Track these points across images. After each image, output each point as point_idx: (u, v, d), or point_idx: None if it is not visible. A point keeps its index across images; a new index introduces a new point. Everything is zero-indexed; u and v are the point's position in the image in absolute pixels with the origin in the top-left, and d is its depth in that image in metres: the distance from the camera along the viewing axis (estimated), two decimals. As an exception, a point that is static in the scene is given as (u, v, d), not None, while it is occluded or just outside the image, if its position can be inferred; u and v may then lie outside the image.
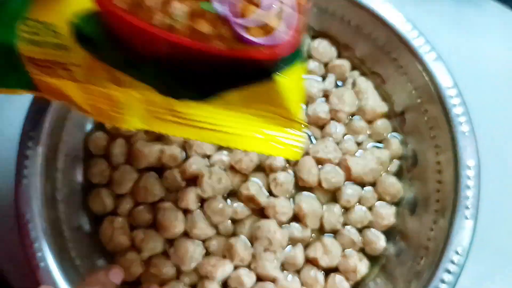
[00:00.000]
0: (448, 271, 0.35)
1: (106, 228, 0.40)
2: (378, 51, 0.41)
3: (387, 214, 0.40)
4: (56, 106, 0.38)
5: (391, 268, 0.40)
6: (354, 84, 0.43)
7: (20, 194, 0.36)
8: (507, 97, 0.46)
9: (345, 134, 0.42)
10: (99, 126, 0.43)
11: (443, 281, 0.35)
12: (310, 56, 0.44)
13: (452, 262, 0.35)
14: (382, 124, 0.42)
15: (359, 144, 0.42)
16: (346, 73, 0.43)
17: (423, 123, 0.40)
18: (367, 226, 0.41)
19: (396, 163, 0.42)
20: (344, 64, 0.43)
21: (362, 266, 0.39)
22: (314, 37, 0.44)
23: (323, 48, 0.44)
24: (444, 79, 0.38)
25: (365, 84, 0.43)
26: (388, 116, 0.43)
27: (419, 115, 0.40)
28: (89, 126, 0.43)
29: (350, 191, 0.40)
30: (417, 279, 0.37)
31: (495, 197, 0.39)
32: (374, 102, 0.42)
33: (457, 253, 0.36)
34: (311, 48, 0.43)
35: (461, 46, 0.46)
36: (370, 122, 0.43)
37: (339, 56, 0.44)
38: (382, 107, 0.42)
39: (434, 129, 0.39)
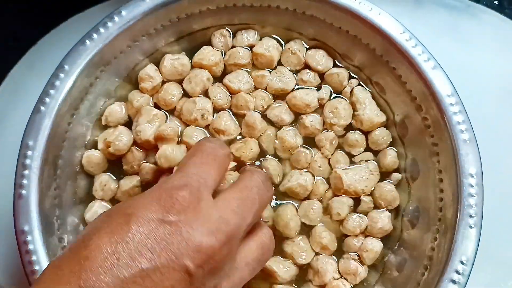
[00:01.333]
0: (453, 282, 0.35)
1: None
2: (377, 60, 0.41)
3: (381, 217, 0.40)
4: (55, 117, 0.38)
5: (394, 279, 0.39)
6: (351, 94, 0.43)
7: (18, 207, 0.36)
8: (504, 106, 0.46)
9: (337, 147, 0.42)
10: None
11: (448, 292, 0.34)
12: (306, 66, 0.43)
13: (457, 272, 0.35)
14: (380, 134, 0.42)
15: (352, 156, 0.42)
16: (344, 82, 0.43)
17: (423, 131, 0.39)
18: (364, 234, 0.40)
19: (396, 175, 0.41)
20: (342, 72, 0.43)
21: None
22: (310, 47, 0.44)
23: (319, 57, 0.43)
24: (443, 87, 0.38)
25: (363, 94, 0.42)
26: (386, 126, 0.43)
27: (419, 123, 0.40)
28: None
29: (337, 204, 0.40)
30: (422, 290, 0.36)
31: (497, 207, 0.38)
32: (372, 112, 0.42)
33: (462, 262, 0.35)
34: (308, 57, 0.43)
35: (457, 55, 0.47)
36: (368, 132, 0.42)
37: (336, 65, 0.44)
38: (380, 117, 0.42)
39: (434, 137, 0.39)
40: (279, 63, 0.44)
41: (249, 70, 0.43)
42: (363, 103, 0.42)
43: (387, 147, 0.42)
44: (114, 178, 0.42)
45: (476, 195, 0.36)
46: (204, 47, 0.43)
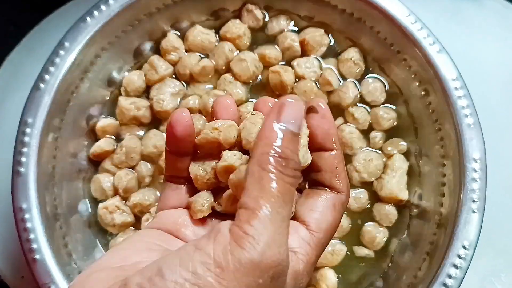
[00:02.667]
0: (455, 266, 0.34)
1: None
2: (381, 44, 0.41)
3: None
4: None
5: (396, 264, 0.39)
6: (390, 157, 0.41)
7: (16, 184, 0.35)
8: (508, 92, 0.46)
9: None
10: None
11: (450, 276, 0.34)
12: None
13: (459, 256, 0.35)
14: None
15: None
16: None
17: (427, 116, 0.39)
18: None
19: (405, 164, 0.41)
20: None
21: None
22: (309, 26, 0.43)
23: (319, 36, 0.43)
24: (448, 71, 0.38)
25: (399, 164, 0.41)
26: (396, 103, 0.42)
27: (423, 107, 0.39)
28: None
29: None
30: (423, 274, 0.36)
31: (501, 193, 0.38)
32: (397, 186, 0.40)
33: (464, 247, 0.35)
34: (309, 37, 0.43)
35: (459, 41, 0.46)
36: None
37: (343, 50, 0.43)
38: (403, 194, 0.40)
39: (438, 122, 0.38)
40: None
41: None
42: (394, 172, 0.40)
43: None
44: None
45: (479, 180, 0.36)
46: (231, 20, 0.43)
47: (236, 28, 0.42)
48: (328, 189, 0.25)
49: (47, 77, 0.37)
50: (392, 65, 0.41)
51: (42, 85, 0.37)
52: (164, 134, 0.35)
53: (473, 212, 0.35)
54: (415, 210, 0.40)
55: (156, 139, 0.41)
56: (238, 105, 0.35)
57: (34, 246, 0.35)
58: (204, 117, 0.40)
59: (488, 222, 0.35)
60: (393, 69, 0.41)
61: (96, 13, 0.39)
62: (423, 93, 0.39)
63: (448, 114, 0.37)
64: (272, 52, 0.42)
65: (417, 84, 0.40)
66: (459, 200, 0.36)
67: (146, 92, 0.43)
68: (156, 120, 0.42)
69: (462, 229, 0.35)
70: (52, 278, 0.34)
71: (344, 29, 0.43)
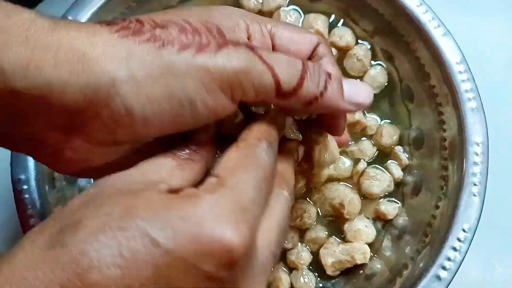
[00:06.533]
0: (454, 249, 0.34)
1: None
2: (385, 26, 0.41)
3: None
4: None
5: (394, 246, 0.39)
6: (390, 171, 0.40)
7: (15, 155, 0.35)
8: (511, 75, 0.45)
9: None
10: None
11: (449, 259, 0.34)
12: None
13: (459, 239, 0.34)
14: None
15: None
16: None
17: (430, 99, 0.39)
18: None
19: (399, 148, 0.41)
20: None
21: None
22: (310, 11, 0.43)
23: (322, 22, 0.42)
24: (452, 55, 0.37)
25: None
26: (392, 95, 0.42)
27: (426, 91, 0.39)
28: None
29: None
30: (422, 257, 0.35)
31: (503, 177, 0.38)
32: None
33: (463, 230, 0.34)
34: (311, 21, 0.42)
35: (463, 24, 0.45)
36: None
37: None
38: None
39: (441, 105, 0.38)
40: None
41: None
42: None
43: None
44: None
45: (480, 163, 0.36)
46: None
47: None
48: None
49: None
50: (395, 47, 0.41)
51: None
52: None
53: (474, 195, 0.35)
54: (413, 192, 0.40)
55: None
56: None
57: (32, 221, 0.35)
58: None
59: (490, 205, 0.35)
60: (396, 51, 0.41)
61: (99, -12, 0.38)
62: (426, 76, 0.39)
63: (451, 98, 0.37)
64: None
65: (421, 67, 0.39)
66: (460, 183, 0.35)
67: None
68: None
69: (462, 212, 0.35)
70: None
71: (346, 10, 0.42)
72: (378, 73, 0.41)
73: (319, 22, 0.41)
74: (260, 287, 0.21)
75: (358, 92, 0.25)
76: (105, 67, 0.20)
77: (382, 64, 0.42)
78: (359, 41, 0.42)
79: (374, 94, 0.30)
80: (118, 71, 0.20)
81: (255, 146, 0.22)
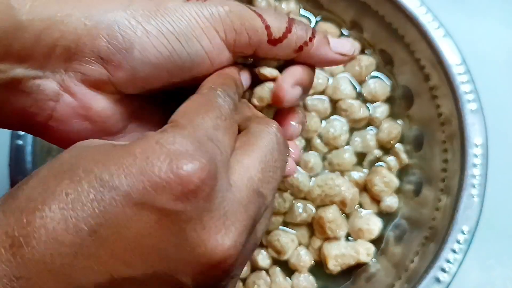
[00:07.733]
0: (454, 251, 0.34)
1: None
2: (386, 28, 0.40)
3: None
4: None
5: (393, 249, 0.39)
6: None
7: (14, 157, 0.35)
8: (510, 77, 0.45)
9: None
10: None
11: (448, 261, 0.34)
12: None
13: (458, 241, 0.34)
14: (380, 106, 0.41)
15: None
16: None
17: (430, 100, 0.39)
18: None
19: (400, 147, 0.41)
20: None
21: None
22: (318, 15, 0.43)
23: (326, 28, 0.43)
24: (452, 56, 0.37)
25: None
26: (391, 98, 0.42)
27: (425, 92, 0.39)
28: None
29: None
30: (421, 259, 0.35)
31: (502, 178, 0.37)
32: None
33: (463, 232, 0.35)
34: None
35: (462, 25, 0.45)
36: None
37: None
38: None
39: (441, 107, 0.38)
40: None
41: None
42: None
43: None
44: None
45: (480, 165, 0.36)
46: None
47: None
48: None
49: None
50: (396, 48, 0.41)
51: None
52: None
53: (473, 197, 0.35)
54: (413, 194, 0.40)
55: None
56: None
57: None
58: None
59: (489, 206, 0.35)
60: (396, 53, 0.41)
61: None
62: (426, 77, 0.39)
63: (451, 99, 0.37)
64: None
65: (421, 68, 0.39)
66: (459, 185, 0.35)
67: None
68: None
69: (462, 214, 0.35)
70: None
71: (348, 13, 0.42)
72: (377, 85, 0.41)
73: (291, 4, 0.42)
74: (239, 225, 0.19)
75: (344, 43, 0.26)
76: (107, 3, 0.22)
77: (381, 77, 0.42)
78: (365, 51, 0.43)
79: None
80: (118, 10, 0.22)
81: (208, 93, 0.22)
